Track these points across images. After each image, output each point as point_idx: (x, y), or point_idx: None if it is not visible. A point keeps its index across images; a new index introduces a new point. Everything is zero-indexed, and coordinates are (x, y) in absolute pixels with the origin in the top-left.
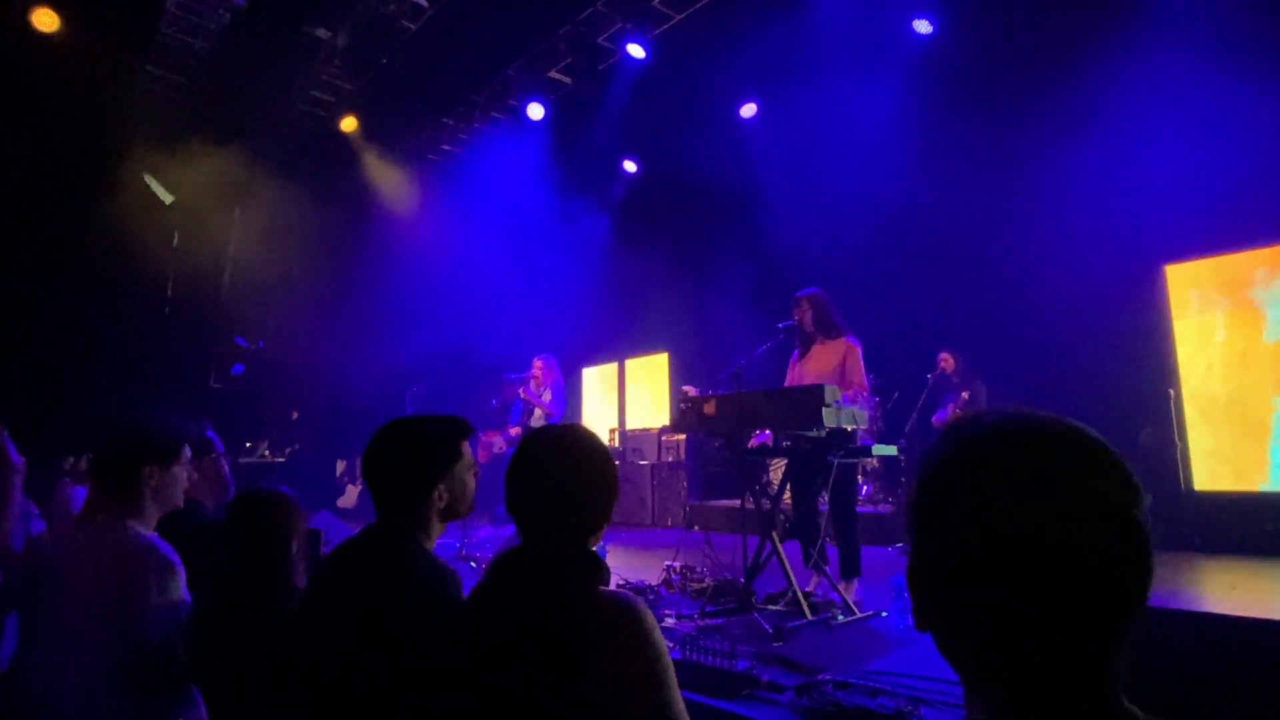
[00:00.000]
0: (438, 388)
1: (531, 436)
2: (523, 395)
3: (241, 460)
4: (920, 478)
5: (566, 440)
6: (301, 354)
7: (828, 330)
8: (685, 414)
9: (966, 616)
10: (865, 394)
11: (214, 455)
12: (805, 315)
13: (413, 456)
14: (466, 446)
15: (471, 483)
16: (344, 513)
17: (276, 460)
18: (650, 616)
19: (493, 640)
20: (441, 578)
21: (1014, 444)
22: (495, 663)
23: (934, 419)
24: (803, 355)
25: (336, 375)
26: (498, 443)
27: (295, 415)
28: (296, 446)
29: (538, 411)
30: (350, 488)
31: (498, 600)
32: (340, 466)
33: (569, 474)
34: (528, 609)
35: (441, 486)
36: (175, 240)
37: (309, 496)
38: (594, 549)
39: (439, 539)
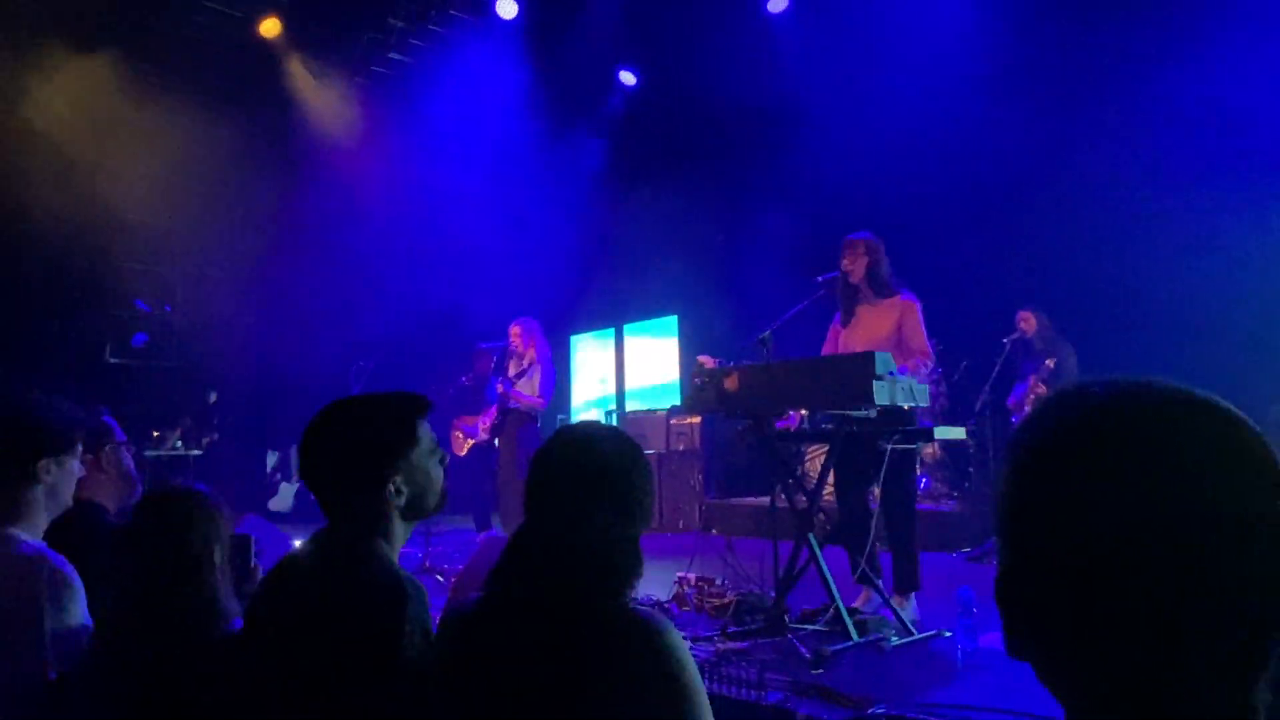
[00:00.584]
0: (391, 362)
1: (559, 436)
2: (501, 390)
3: (148, 453)
4: (1016, 464)
5: (619, 435)
6: (220, 320)
7: (879, 287)
8: (700, 391)
9: (1079, 636)
10: (928, 363)
11: (113, 445)
12: (857, 264)
13: (358, 444)
14: (425, 427)
15: (437, 471)
16: (277, 516)
17: (191, 452)
18: (682, 643)
19: (495, 652)
20: (402, 594)
21: (1145, 421)
22: (495, 683)
23: (1011, 396)
24: (847, 319)
25: (265, 346)
26: (481, 426)
27: (214, 397)
28: (216, 435)
29: (525, 388)
30: (284, 486)
31: (509, 603)
32: (271, 460)
33: (630, 468)
34: (539, 617)
35: (398, 479)
36: (48, 182)
37: (233, 496)
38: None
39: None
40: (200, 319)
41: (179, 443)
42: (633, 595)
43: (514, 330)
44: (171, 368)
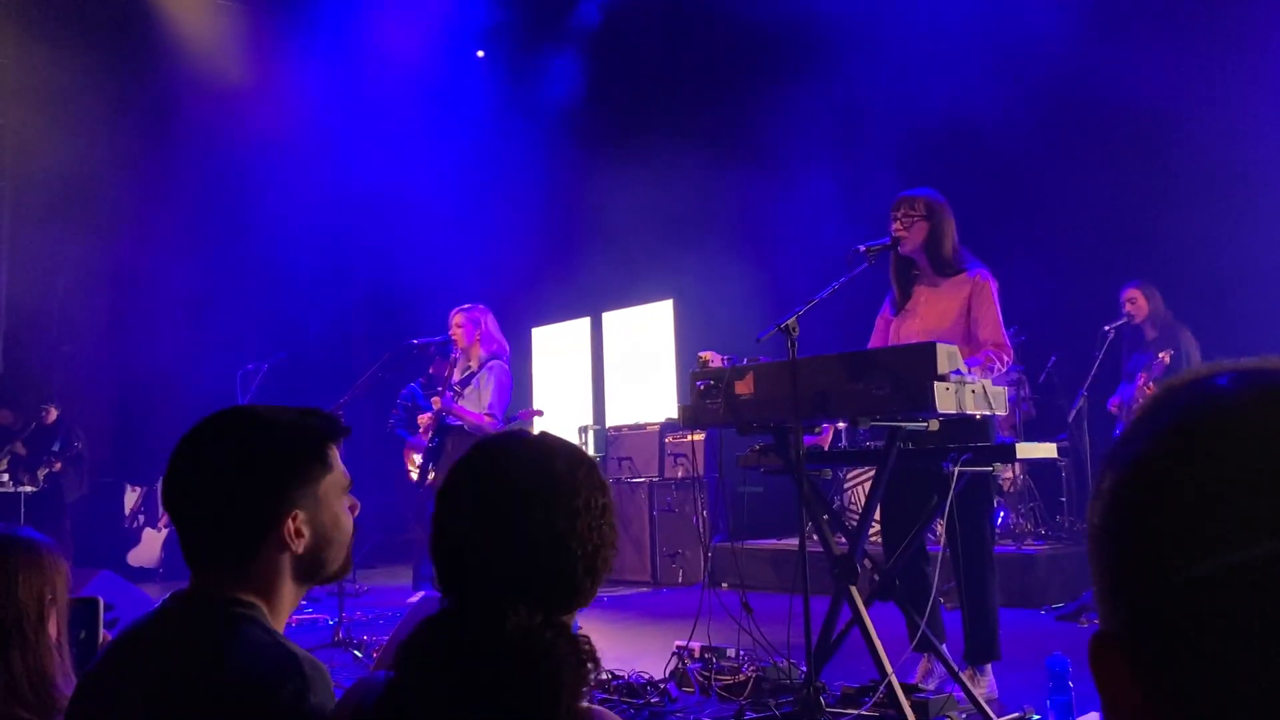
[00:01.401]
0: (292, 365)
1: (474, 452)
2: (437, 405)
3: None
4: (1120, 484)
5: (542, 448)
6: (63, 313)
7: (942, 263)
8: (704, 397)
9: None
10: (1004, 358)
11: None
12: (913, 230)
13: (247, 463)
14: (335, 455)
15: (347, 519)
16: (141, 573)
17: (23, 489)
18: None
19: None
20: (296, 680)
21: None
22: None
23: (1114, 398)
24: (901, 303)
25: (124, 347)
26: (408, 454)
27: (53, 413)
28: (57, 465)
29: (471, 400)
30: (149, 533)
31: (424, 697)
32: (132, 498)
33: (544, 502)
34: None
35: (299, 517)
36: None
37: (81, 547)
38: (580, 633)
39: (294, 612)
40: (36, 311)
41: (5, 475)
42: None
43: (455, 320)
44: None
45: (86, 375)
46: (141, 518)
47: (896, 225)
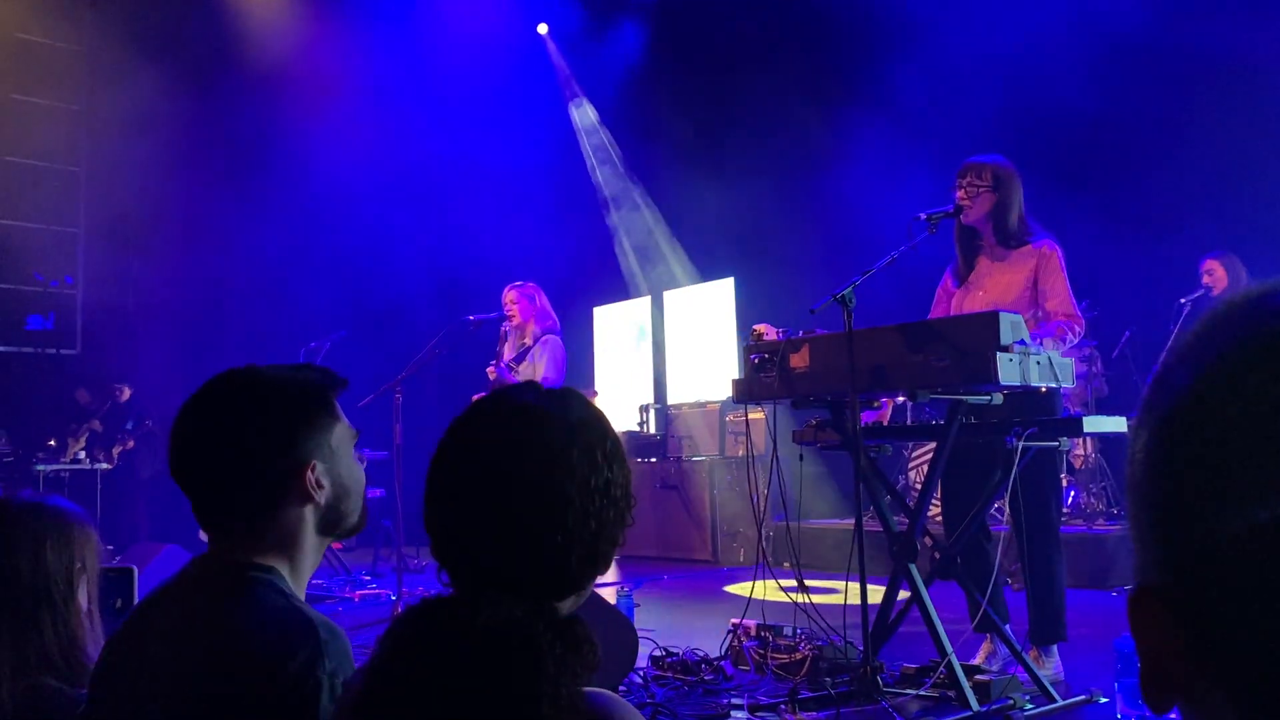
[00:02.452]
0: (355, 343)
1: (467, 413)
2: (492, 375)
3: (39, 466)
4: (1163, 417)
5: (528, 416)
6: (135, 294)
7: (1008, 234)
8: (759, 370)
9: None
10: (1075, 328)
11: None
12: (979, 199)
13: (257, 428)
14: (338, 406)
15: (359, 468)
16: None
17: (99, 466)
18: None
19: None
20: (312, 644)
21: None
22: None
23: None
24: (964, 275)
25: (194, 329)
26: None
27: (127, 393)
28: (131, 444)
29: (526, 374)
30: None
31: (398, 691)
32: None
33: (527, 482)
34: (449, 712)
35: (316, 468)
36: None
37: (156, 523)
38: (571, 614)
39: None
40: (111, 294)
41: (82, 453)
42: (588, 679)
43: (509, 297)
44: (74, 357)
45: (160, 359)
46: None
47: (961, 193)
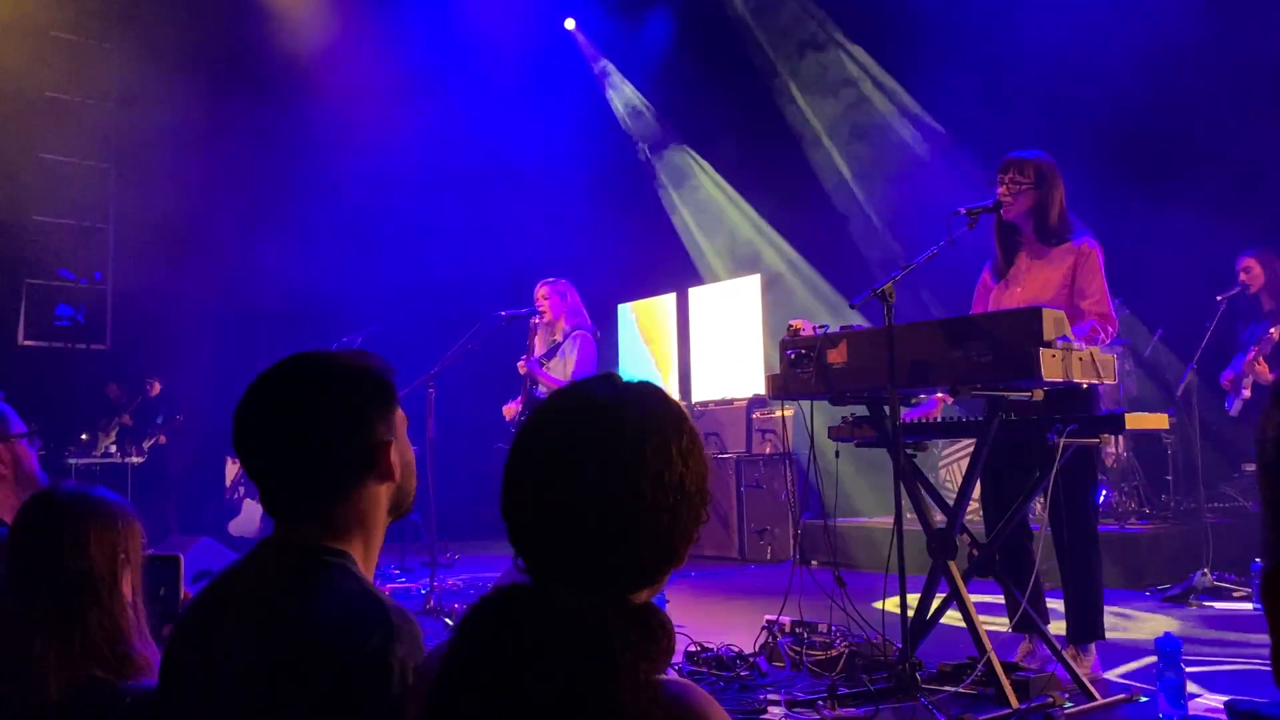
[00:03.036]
0: (387, 337)
1: (545, 404)
2: (523, 370)
3: (71, 459)
4: None
5: (604, 410)
6: (164, 289)
7: (1048, 232)
8: (795, 366)
9: None
10: (1111, 329)
11: (9, 439)
12: (1021, 197)
13: (337, 410)
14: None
15: (412, 450)
16: (240, 542)
17: (130, 459)
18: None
19: None
20: (386, 631)
21: None
22: None
23: (1227, 371)
24: (1004, 270)
25: (224, 324)
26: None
27: (157, 388)
28: (161, 438)
29: (558, 369)
30: (249, 504)
31: (474, 678)
32: (232, 470)
33: (599, 476)
34: (524, 700)
35: (393, 450)
36: None
37: (187, 516)
38: (651, 605)
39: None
40: (141, 289)
41: (113, 446)
42: (666, 665)
43: (541, 293)
44: (104, 352)
45: (190, 354)
46: (242, 489)
47: (1002, 190)
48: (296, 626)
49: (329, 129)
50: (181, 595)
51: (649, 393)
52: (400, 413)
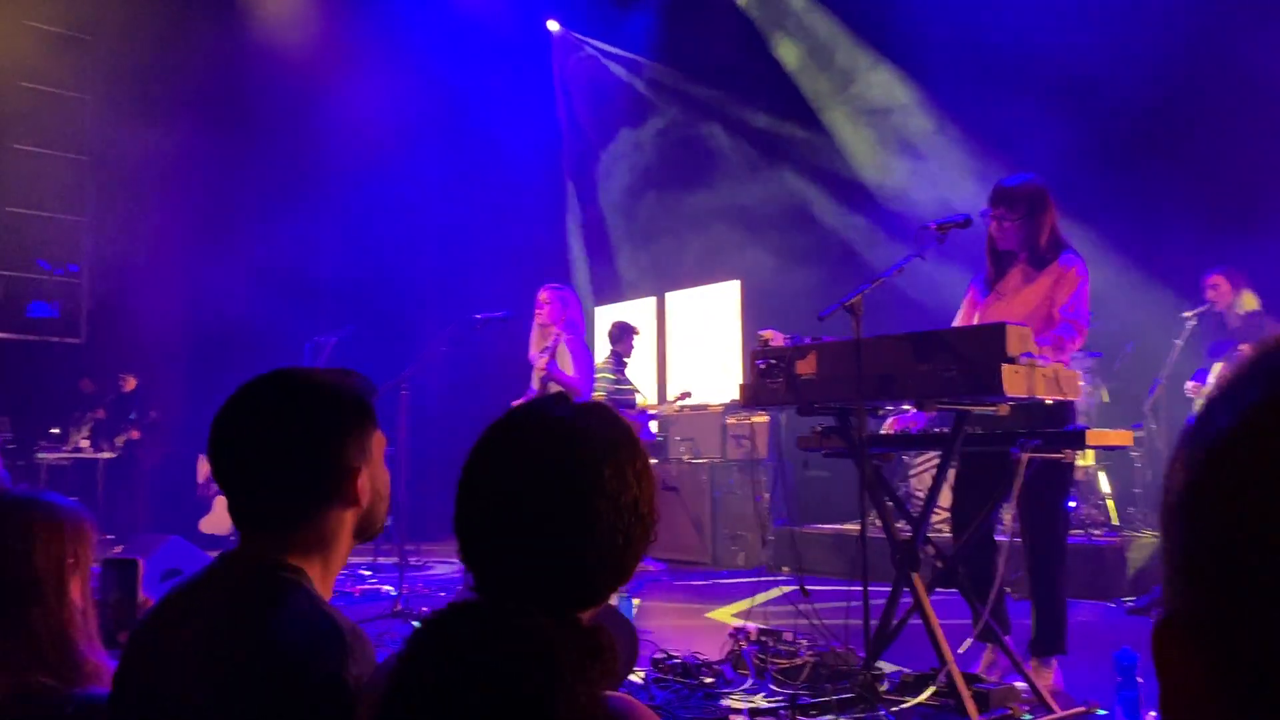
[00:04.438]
0: (361, 338)
1: (503, 423)
2: (540, 366)
3: (41, 455)
4: (1201, 451)
5: (563, 431)
6: (140, 284)
7: (1038, 255)
8: (765, 376)
9: None
10: (1079, 339)
11: None
12: (1011, 234)
13: (310, 430)
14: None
15: (387, 474)
16: (212, 541)
17: (102, 455)
18: None
19: None
20: (338, 649)
21: None
22: None
23: (1193, 379)
24: (994, 286)
25: (199, 320)
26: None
27: (131, 383)
28: (135, 434)
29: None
30: (220, 501)
31: (425, 695)
32: (205, 468)
33: (559, 497)
34: (469, 717)
35: (362, 477)
36: None
37: (158, 513)
38: (594, 622)
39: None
40: (114, 283)
41: (84, 442)
42: (609, 684)
43: (543, 297)
44: (78, 346)
45: (165, 349)
46: (214, 487)
47: (993, 225)
48: (253, 645)
49: (310, 128)
50: (140, 599)
51: (603, 414)
52: (378, 434)
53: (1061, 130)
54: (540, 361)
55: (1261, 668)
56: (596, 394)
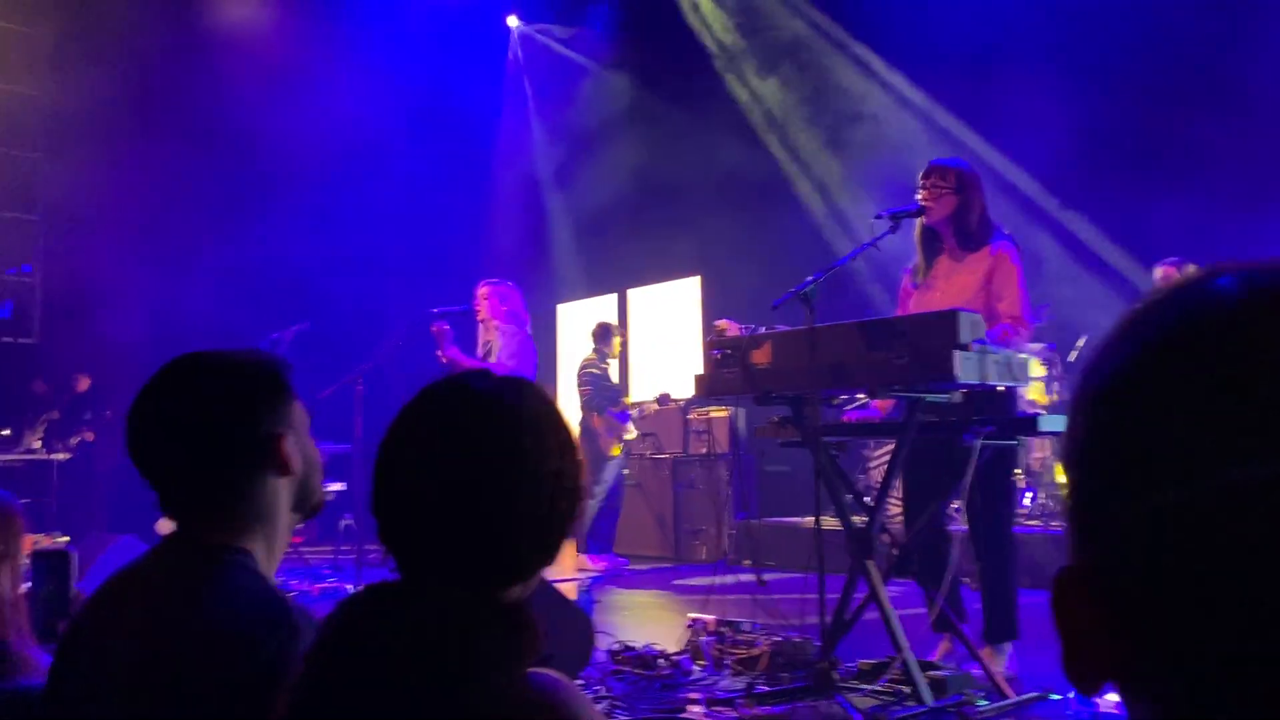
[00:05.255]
0: (317, 334)
1: (417, 399)
2: (446, 358)
3: None
4: (1096, 395)
5: (479, 402)
6: (94, 283)
7: (967, 236)
8: (721, 366)
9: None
10: (1024, 332)
11: None
12: (941, 201)
13: (229, 406)
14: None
15: (316, 448)
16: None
17: (55, 456)
18: (587, 710)
19: None
20: (287, 628)
21: None
22: None
23: None
24: (924, 275)
25: (155, 318)
26: None
27: (85, 383)
28: (89, 435)
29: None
30: None
31: (341, 675)
32: None
33: (475, 468)
34: (385, 698)
35: (289, 438)
36: None
37: (115, 514)
38: (520, 602)
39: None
40: (70, 283)
41: (37, 442)
42: (531, 662)
43: (481, 292)
44: (31, 346)
45: (120, 349)
46: None
47: (924, 194)
48: (199, 625)
49: (263, 124)
50: (73, 592)
51: (525, 387)
52: (298, 407)
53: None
54: (443, 356)
55: (1146, 618)
56: (585, 388)
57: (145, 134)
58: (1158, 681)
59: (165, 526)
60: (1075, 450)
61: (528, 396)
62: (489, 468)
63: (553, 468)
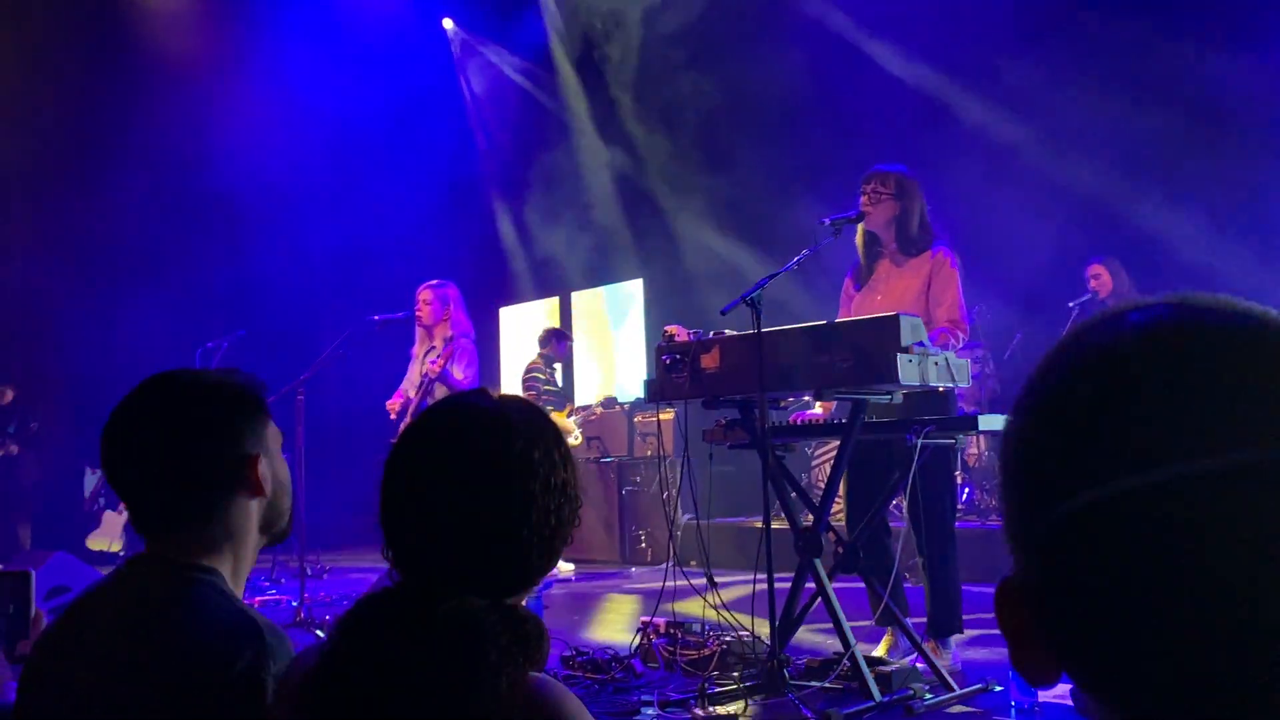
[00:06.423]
0: (254, 342)
1: (424, 418)
2: (433, 371)
3: None
4: (1028, 417)
5: (490, 420)
6: (19, 289)
7: (908, 241)
8: (670, 371)
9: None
10: (961, 335)
11: None
12: (882, 206)
13: (203, 426)
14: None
15: (288, 469)
16: (101, 558)
17: None
18: (581, 712)
19: None
20: (258, 646)
21: (1207, 346)
22: None
23: None
24: (865, 280)
25: (82, 326)
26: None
27: (9, 395)
28: (14, 448)
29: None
30: (109, 516)
31: (355, 682)
32: (91, 481)
33: (493, 484)
34: (400, 701)
35: (262, 461)
36: None
37: (42, 530)
38: (525, 608)
39: (257, 594)
40: None
41: None
42: (539, 669)
43: (423, 296)
44: None
45: (46, 357)
46: (102, 500)
47: (864, 199)
48: (168, 645)
49: (196, 124)
50: (33, 612)
51: (521, 403)
52: (273, 428)
53: (953, 130)
54: (434, 368)
55: (1074, 627)
56: (528, 393)
57: (67, 135)
58: (1090, 678)
59: (96, 542)
60: (1003, 471)
61: (528, 412)
62: (505, 484)
63: (560, 479)
